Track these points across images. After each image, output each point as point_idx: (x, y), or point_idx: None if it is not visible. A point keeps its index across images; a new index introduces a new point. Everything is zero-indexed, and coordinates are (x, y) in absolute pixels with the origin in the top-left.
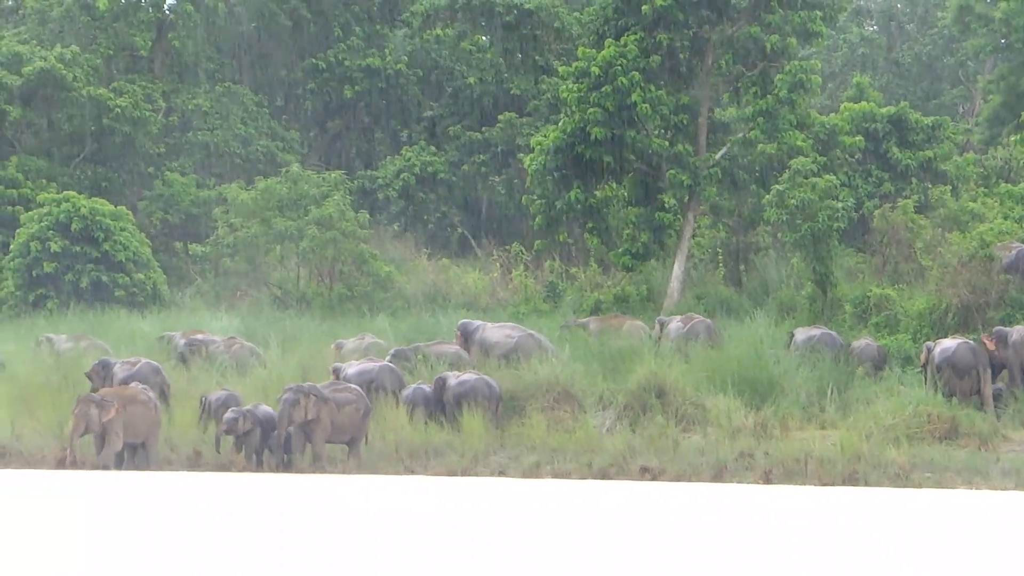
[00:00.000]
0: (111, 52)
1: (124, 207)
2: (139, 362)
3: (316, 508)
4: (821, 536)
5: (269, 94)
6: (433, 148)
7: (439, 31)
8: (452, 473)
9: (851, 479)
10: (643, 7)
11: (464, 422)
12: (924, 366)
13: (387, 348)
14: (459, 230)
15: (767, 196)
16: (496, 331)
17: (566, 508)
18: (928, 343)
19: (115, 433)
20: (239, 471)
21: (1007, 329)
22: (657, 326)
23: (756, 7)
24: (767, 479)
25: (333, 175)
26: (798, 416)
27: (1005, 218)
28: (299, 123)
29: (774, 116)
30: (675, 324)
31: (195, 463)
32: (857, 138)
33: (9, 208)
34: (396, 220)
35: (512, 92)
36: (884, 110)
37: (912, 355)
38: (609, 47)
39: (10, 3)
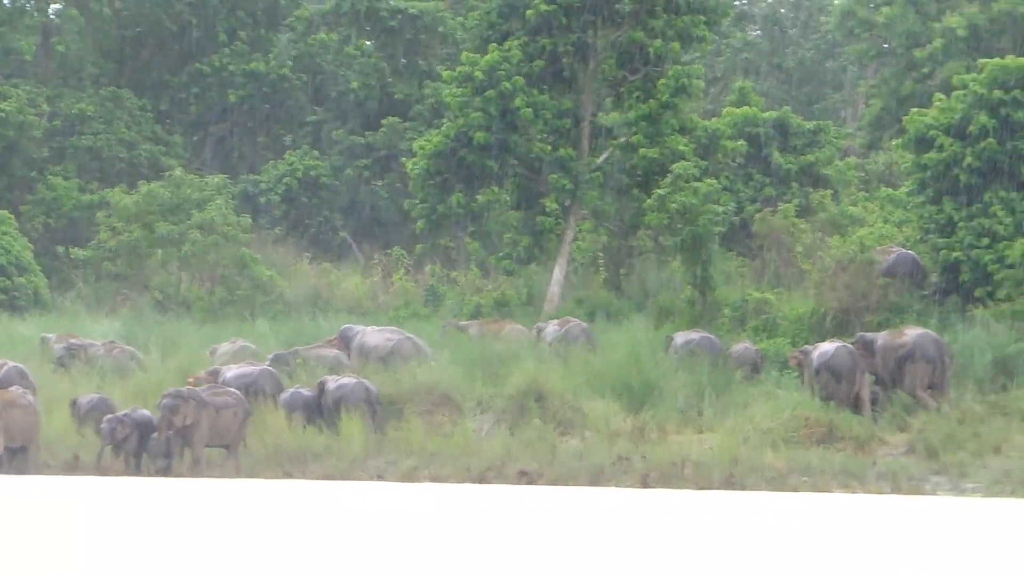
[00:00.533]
0: None
1: (6, 211)
2: (5, 365)
3: (195, 512)
4: (699, 540)
5: (153, 98)
6: (316, 152)
7: (323, 36)
8: (330, 477)
9: (728, 483)
10: (527, 12)
11: (342, 426)
12: (800, 369)
13: (259, 352)
14: (341, 234)
15: (648, 200)
16: (375, 335)
17: (444, 512)
18: (805, 347)
19: None
20: (117, 475)
21: (871, 335)
22: (535, 331)
23: (639, 12)
24: (645, 483)
25: (216, 179)
26: (676, 420)
27: (885, 222)
28: (183, 127)
29: (656, 120)
30: (551, 328)
31: (73, 467)
32: (739, 142)
33: None
34: (278, 224)
35: (396, 96)
36: (766, 115)
37: None
38: (493, 52)
39: None
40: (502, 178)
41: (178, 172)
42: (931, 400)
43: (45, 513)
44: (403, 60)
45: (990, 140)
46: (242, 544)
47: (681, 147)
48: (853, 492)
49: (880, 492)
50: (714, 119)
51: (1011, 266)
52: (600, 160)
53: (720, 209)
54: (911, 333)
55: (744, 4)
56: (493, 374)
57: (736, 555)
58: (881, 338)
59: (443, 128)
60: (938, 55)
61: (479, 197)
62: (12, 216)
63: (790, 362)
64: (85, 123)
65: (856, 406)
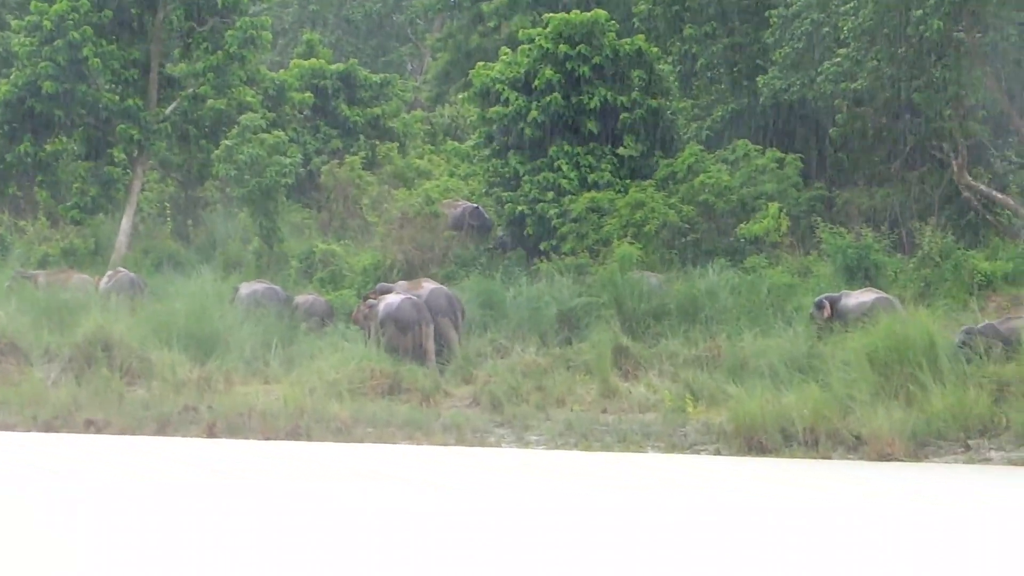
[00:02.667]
0: None
1: None
2: None
3: None
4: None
5: None
6: None
7: None
8: None
9: (294, 433)
10: None
11: None
12: (363, 322)
13: None
14: None
15: (216, 151)
16: None
17: (10, 461)
18: (369, 300)
19: None
20: None
21: (390, 285)
22: (105, 278)
23: None
24: (211, 432)
25: None
26: (242, 370)
27: (451, 175)
28: None
29: (224, 72)
30: (103, 279)
31: None
32: (306, 94)
33: None
34: None
35: None
36: (333, 67)
37: None
38: (61, 1)
39: None
40: (70, 128)
41: None
42: (432, 357)
43: None
44: None
45: (555, 95)
46: None
47: (249, 98)
48: (418, 443)
49: (445, 443)
50: (282, 71)
51: (575, 220)
52: (168, 111)
53: (287, 161)
54: (427, 287)
55: None
56: (60, 323)
57: (302, 504)
58: (400, 288)
59: (11, 77)
60: (504, 9)
61: (47, 146)
62: None
63: (353, 318)
64: None
65: (421, 358)
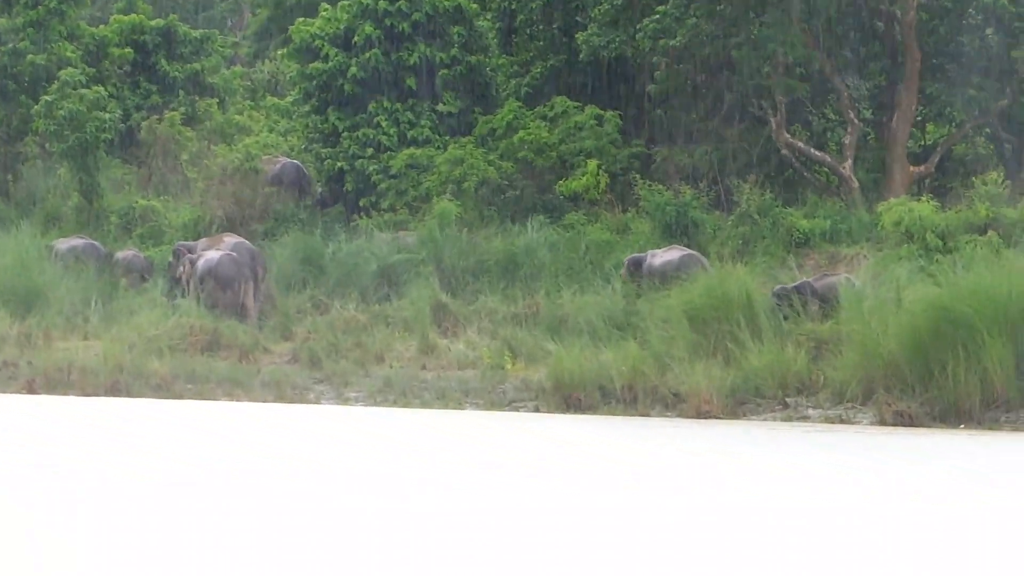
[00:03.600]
0: None
1: None
2: None
3: None
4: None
5: None
6: None
7: None
8: None
9: (114, 389)
10: None
11: None
12: (180, 279)
13: None
14: None
15: (36, 107)
16: None
17: None
18: (188, 256)
19: None
20: None
21: (188, 244)
22: None
23: None
24: (31, 388)
25: None
26: (62, 326)
27: (271, 131)
28: None
29: (44, 27)
30: None
31: None
32: (126, 50)
33: None
34: None
35: None
36: (154, 22)
37: None
38: None
39: None
40: None
41: None
42: (252, 314)
43: None
44: None
45: (375, 51)
46: None
47: (68, 54)
48: (238, 400)
49: (264, 400)
50: (102, 26)
51: (394, 176)
52: None
53: (107, 116)
54: (228, 241)
55: None
56: None
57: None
58: (201, 245)
59: None
60: None
61: None
62: None
63: (171, 275)
64: None
65: (241, 314)
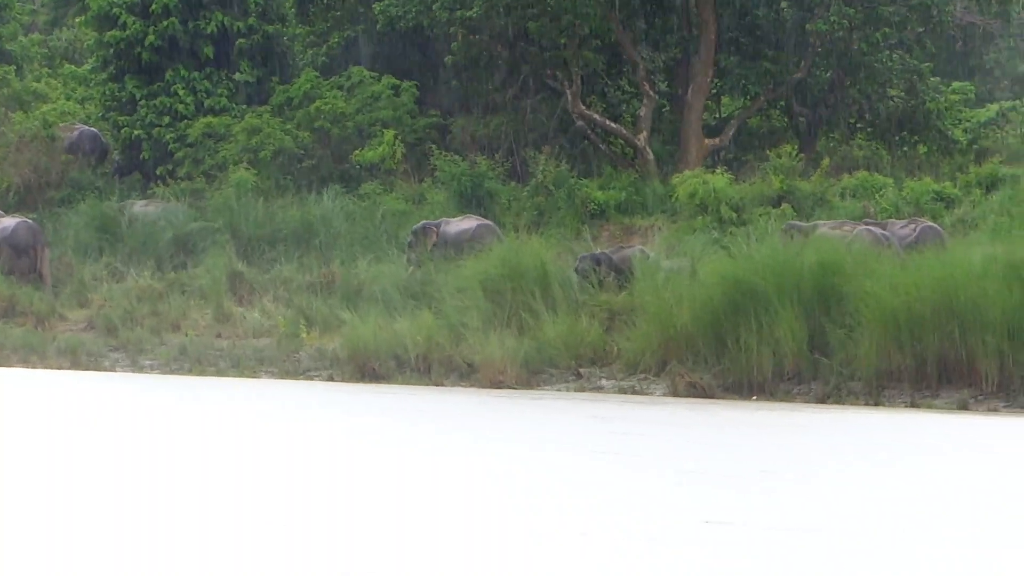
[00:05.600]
0: None
1: None
2: None
3: None
4: None
5: None
6: None
7: None
8: None
9: None
10: None
11: None
12: None
13: None
14: None
15: None
16: None
17: None
18: None
19: None
20: None
21: None
22: None
23: None
24: None
25: None
26: None
27: (68, 99)
28: None
29: None
30: None
31: None
32: None
33: None
34: None
35: None
36: None
37: None
38: None
39: None
40: None
41: None
42: (48, 281)
43: None
44: None
45: (172, 19)
46: None
47: None
48: (33, 367)
49: (60, 367)
50: None
51: (191, 145)
52: None
53: None
54: (9, 223)
55: None
56: None
57: None
58: None
59: None
60: None
61: None
62: None
63: None
64: None
65: (37, 281)
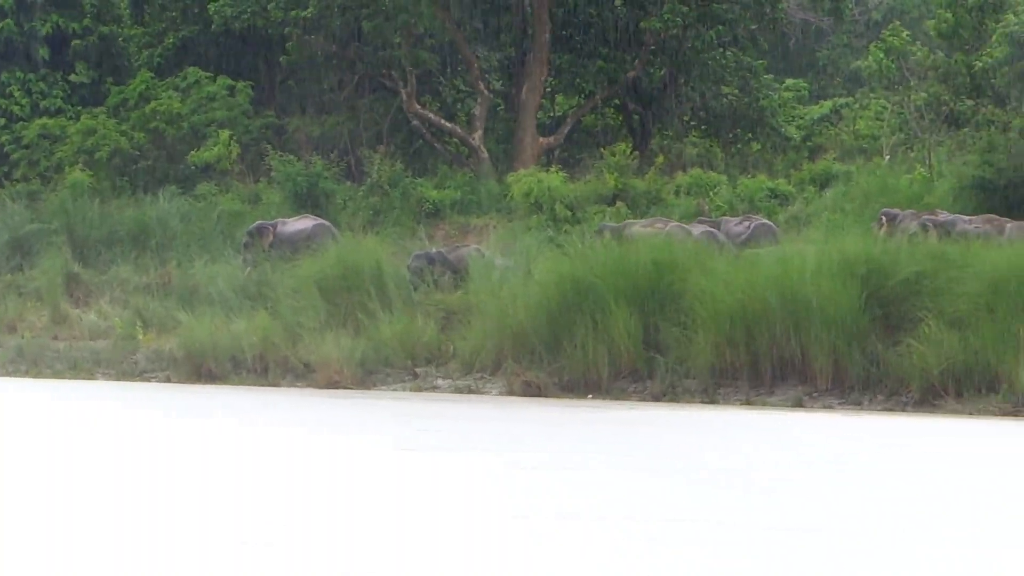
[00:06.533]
0: None
1: None
2: None
3: None
4: None
5: None
6: None
7: None
8: None
9: None
10: None
11: None
12: None
13: None
14: None
15: None
16: None
17: None
18: None
19: None
20: None
21: None
22: None
23: None
24: None
25: None
26: None
27: None
28: None
29: None
30: None
31: None
32: None
33: None
34: None
35: None
36: None
37: None
38: None
39: None
40: None
41: None
42: None
43: None
44: None
45: (7, 20)
46: None
47: None
48: None
49: None
50: None
51: (27, 146)
52: None
53: None
54: None
55: None
56: None
57: None
58: None
59: None
60: None
61: None
62: None
63: None
64: None
65: None
